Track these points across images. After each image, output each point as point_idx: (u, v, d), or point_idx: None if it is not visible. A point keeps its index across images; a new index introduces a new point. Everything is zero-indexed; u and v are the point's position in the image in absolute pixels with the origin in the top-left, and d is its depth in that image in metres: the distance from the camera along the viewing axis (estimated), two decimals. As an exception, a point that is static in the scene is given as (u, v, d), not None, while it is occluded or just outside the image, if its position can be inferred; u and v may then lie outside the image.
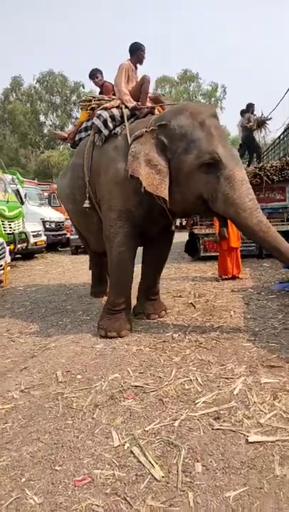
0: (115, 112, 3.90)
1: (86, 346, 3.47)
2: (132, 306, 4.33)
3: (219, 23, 61.46)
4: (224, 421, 2.16)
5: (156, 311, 4.22)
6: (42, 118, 35.96)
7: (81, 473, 1.82)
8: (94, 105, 4.30)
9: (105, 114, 3.88)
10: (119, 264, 3.72)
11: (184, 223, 8.38)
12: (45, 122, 36.31)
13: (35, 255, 10.39)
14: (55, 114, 35.93)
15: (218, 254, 6.40)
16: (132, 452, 1.94)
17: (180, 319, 4.12)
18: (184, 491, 1.66)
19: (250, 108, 9.04)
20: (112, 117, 3.87)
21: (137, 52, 4.17)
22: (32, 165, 33.53)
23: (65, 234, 12.01)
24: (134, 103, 3.93)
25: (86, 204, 4.09)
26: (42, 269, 8.38)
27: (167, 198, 3.30)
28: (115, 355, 3.22)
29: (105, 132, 3.87)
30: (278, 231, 7.96)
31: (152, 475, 1.77)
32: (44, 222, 11.46)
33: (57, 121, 35.51)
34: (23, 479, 1.80)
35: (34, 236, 9.73)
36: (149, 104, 4.08)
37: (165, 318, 4.18)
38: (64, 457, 1.94)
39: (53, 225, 11.70)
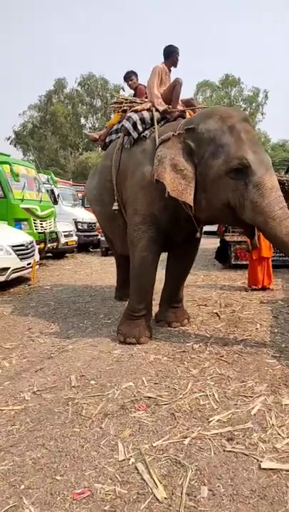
0: (146, 114, 3.84)
1: (103, 351, 3.41)
2: (155, 313, 4.26)
3: (261, 25, 60.43)
4: (237, 443, 2.03)
5: (179, 319, 4.11)
6: (82, 120, 36.64)
7: (81, 486, 1.75)
8: (125, 107, 4.27)
9: (135, 117, 3.83)
10: (141, 268, 3.64)
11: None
12: (85, 125, 36.94)
13: (66, 255, 10.50)
14: (95, 117, 36.51)
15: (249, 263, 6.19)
16: (136, 468, 1.85)
17: (203, 329, 3.99)
18: (186, 517, 1.55)
19: None
20: (142, 120, 3.81)
21: (172, 55, 4.09)
22: (71, 166, 34.21)
23: (97, 235, 12.07)
24: (165, 106, 3.86)
25: (115, 207, 4.05)
26: (71, 269, 8.44)
27: (192, 204, 3.19)
28: (132, 363, 3.14)
29: (134, 135, 3.81)
30: None
31: (154, 495, 1.67)
32: (76, 222, 11.58)
33: (96, 124, 36.04)
34: (22, 486, 1.76)
35: (65, 236, 9.84)
36: (180, 107, 3.98)
37: (187, 327, 4.06)
38: (66, 467, 1.88)
39: (85, 226, 11.79)
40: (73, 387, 2.73)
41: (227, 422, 2.24)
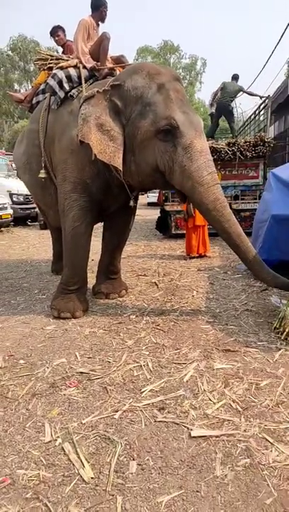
0: (72, 72, 3.54)
1: (36, 328, 3.24)
2: (92, 285, 4.13)
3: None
4: (169, 412, 2.00)
5: (116, 290, 4.01)
6: (16, 87, 34.15)
7: (2, 474, 1.62)
8: (51, 64, 3.92)
9: (61, 74, 3.52)
10: (74, 240, 3.45)
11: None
12: (20, 91, 34.52)
13: (1, 229, 9.92)
14: (30, 83, 34.20)
15: None
16: (63, 449, 1.75)
17: (140, 299, 3.93)
18: (112, 495, 1.49)
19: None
20: (69, 78, 3.51)
21: (99, 8, 3.78)
22: (6, 135, 32.13)
23: (35, 208, 11.46)
24: (93, 63, 3.59)
25: (42, 174, 3.75)
26: (5, 244, 7.98)
27: (121, 168, 3.02)
28: (65, 338, 3.01)
29: (60, 94, 3.51)
30: (250, 209, 7.92)
31: (81, 476, 1.59)
32: (11, 194, 10.89)
33: (32, 90, 33.83)
34: None
35: (-1, 209, 9.26)
36: (110, 65, 3.72)
37: (125, 298, 3.98)
38: (-14, 455, 1.74)
39: (21, 198, 11.14)
40: (0, 368, 2.55)
41: (159, 391, 2.20)
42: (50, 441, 1.81)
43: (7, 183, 11.13)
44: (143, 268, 5.35)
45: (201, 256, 5.90)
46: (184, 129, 2.87)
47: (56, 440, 1.82)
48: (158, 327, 3.16)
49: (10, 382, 2.36)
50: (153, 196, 16.80)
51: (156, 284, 4.45)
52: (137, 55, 36.45)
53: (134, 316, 3.42)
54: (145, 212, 13.91)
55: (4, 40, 39.00)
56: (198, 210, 3.16)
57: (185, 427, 1.88)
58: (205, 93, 57.76)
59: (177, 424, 1.90)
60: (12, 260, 6.19)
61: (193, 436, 1.80)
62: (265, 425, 1.87)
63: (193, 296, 4.00)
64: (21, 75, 33.49)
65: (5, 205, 9.69)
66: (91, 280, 4.14)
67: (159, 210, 8.89)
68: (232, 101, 8.63)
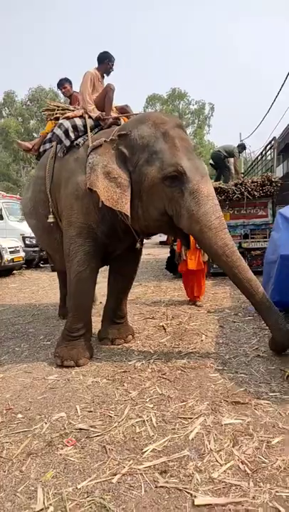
0: (78, 121, 3.67)
1: (38, 378, 3.13)
2: (98, 331, 4.04)
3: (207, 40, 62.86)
4: (171, 475, 1.84)
5: (122, 335, 3.90)
6: (35, 135, 35.80)
7: None
8: (58, 115, 4.07)
9: (67, 124, 3.65)
10: (79, 285, 3.41)
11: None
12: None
13: (13, 272, 10.02)
14: (45, 131, 35.78)
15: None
16: (54, 520, 1.61)
17: (147, 345, 3.80)
18: None
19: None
20: (74, 127, 3.63)
21: (104, 61, 3.96)
22: (23, 180, 33.29)
23: (47, 250, 11.66)
24: (98, 113, 3.70)
25: (50, 219, 3.81)
26: (16, 287, 8.01)
27: (128, 213, 3.03)
28: (67, 389, 2.88)
29: (66, 142, 3.62)
30: (261, 247, 7.82)
31: None
32: (24, 237, 11.11)
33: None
34: None
35: (11, 252, 9.39)
36: (114, 114, 3.84)
37: (131, 344, 3.86)
38: (-28, 528, 1.60)
39: (34, 241, 11.32)
40: (-3, 423, 2.43)
41: (162, 451, 2.05)
42: (41, 510, 1.67)
43: (20, 227, 11.35)
44: (151, 310, 5.24)
45: (192, 302, 5.57)
46: (190, 174, 2.91)
47: (48, 508, 1.67)
48: (164, 376, 3.01)
49: (6, 439, 2.24)
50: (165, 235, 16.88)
51: (164, 328, 4.33)
52: (146, 103, 38.13)
53: (139, 364, 3.29)
54: (157, 251, 13.94)
55: (24, 89, 41.28)
56: (208, 254, 3.16)
57: (188, 493, 1.71)
58: (214, 135, 59.57)
59: (180, 490, 1.74)
60: (21, 304, 6.16)
61: (197, 505, 1.64)
62: (277, 491, 1.69)
63: (202, 340, 3.85)
64: (38, 124, 35.18)
65: (17, 249, 9.85)
66: (98, 325, 4.07)
67: (169, 250, 8.88)
68: (224, 156, 8.90)
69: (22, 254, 10.06)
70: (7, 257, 9.01)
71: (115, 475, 1.86)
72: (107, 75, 4.06)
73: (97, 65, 4.00)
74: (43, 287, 7.85)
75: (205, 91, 65.65)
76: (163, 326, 4.40)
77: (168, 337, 4.01)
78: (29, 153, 4.72)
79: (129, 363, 3.35)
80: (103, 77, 4.04)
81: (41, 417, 2.49)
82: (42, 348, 3.90)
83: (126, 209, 3.04)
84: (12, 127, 32.38)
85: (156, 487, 1.77)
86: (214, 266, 7.98)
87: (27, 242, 11.08)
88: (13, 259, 9.40)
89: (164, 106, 38.26)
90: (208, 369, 3.12)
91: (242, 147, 9.99)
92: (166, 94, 38.05)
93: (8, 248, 9.26)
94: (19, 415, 2.52)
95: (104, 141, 3.14)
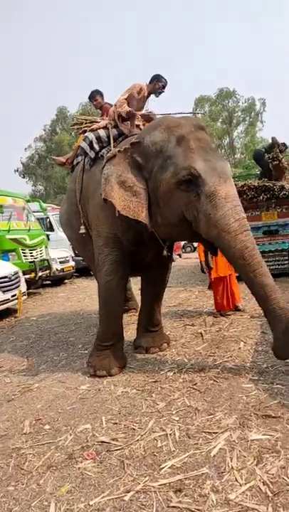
0: (102, 132, 3.70)
1: (70, 387, 3.17)
2: (133, 339, 4.03)
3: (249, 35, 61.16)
4: (186, 495, 1.76)
5: (157, 344, 3.84)
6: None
7: None
8: (86, 128, 4.14)
9: (91, 136, 3.70)
10: (107, 294, 3.42)
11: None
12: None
13: (65, 281, 10.35)
14: (98, 145, 36.88)
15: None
16: (62, 538, 1.59)
17: (182, 353, 3.71)
18: None
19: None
20: (98, 138, 3.67)
21: (154, 81, 3.88)
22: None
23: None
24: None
25: (82, 230, 3.89)
26: (64, 296, 8.26)
27: (146, 221, 2.98)
28: (96, 400, 2.89)
29: (91, 154, 3.68)
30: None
31: None
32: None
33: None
34: None
35: (61, 262, 9.70)
36: (139, 123, 3.82)
37: (166, 352, 3.79)
38: (-16, 540, 1.64)
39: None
40: (24, 434, 2.49)
41: (181, 467, 1.96)
42: (51, 526, 1.66)
43: (70, 237, 11.72)
44: (192, 317, 5.12)
45: (234, 310, 5.13)
46: (206, 176, 2.76)
47: (58, 525, 1.66)
48: (194, 386, 2.91)
49: (30, 450, 2.28)
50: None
51: (202, 335, 4.20)
52: (195, 105, 37.85)
53: (171, 374, 3.21)
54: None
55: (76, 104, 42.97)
56: (227, 258, 2.95)
57: (201, 516, 1.62)
58: (267, 131, 57.52)
59: (192, 511, 1.65)
60: (66, 313, 6.33)
61: (208, 530, 1.54)
62: (298, 520, 1.54)
63: (239, 348, 3.68)
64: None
65: (67, 259, 10.16)
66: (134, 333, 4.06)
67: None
68: (266, 151, 8.46)
69: (72, 263, 10.36)
70: (56, 266, 9.31)
71: (129, 492, 1.82)
72: (156, 95, 3.99)
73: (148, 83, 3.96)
74: (90, 295, 7.99)
75: (258, 87, 63.32)
76: (201, 333, 4.27)
77: (204, 345, 3.88)
78: (63, 167, 4.85)
79: (161, 372, 3.28)
80: (149, 95, 3.99)
81: (67, 428, 2.50)
82: (79, 357, 3.96)
83: (143, 217, 3.00)
84: (65, 141, 33.70)
85: (168, 507, 1.70)
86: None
87: (76, 251, 11.41)
88: (63, 269, 9.71)
89: (213, 106, 37.78)
90: (242, 379, 2.96)
91: (284, 146, 9.32)
92: (214, 94, 37.49)
93: (58, 258, 9.58)
94: (46, 426, 2.56)
95: (118, 151, 3.12)
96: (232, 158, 37.09)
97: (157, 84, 3.86)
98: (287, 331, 2.57)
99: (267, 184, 7.49)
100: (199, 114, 35.36)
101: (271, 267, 7.49)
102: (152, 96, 4.00)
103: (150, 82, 3.90)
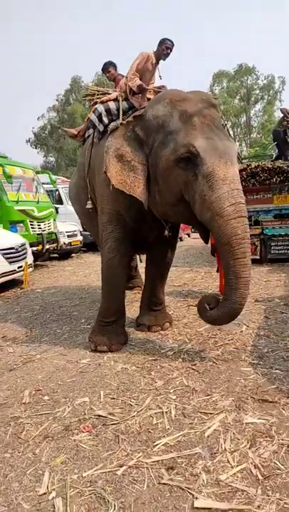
0: (112, 105, 3.58)
1: (71, 361, 3.21)
2: (136, 317, 4.04)
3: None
4: (177, 473, 1.78)
5: (159, 322, 3.85)
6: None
7: (-13, 528, 1.55)
8: (97, 99, 4.02)
9: (101, 108, 3.58)
10: (109, 271, 3.41)
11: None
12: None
13: (72, 255, 10.39)
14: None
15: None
16: (53, 506, 1.64)
17: (183, 333, 3.72)
18: None
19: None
20: (108, 111, 3.55)
21: (160, 45, 3.74)
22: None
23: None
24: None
25: (88, 205, 3.85)
26: (71, 270, 8.30)
27: (142, 198, 2.93)
28: (96, 374, 2.92)
29: (100, 127, 3.58)
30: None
31: None
32: (83, 222, 11.43)
33: (114, 122, 35.77)
34: None
35: (69, 236, 9.72)
36: (151, 96, 3.69)
37: (167, 332, 3.80)
38: (-22, 503, 1.69)
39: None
40: (23, 403, 2.53)
41: (174, 446, 1.99)
42: (44, 494, 1.71)
43: (79, 211, 11.69)
44: (196, 298, 5.10)
45: None
46: (205, 155, 2.61)
47: (50, 493, 1.70)
48: (193, 367, 2.93)
49: (28, 420, 2.33)
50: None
51: (205, 317, 4.19)
52: (213, 80, 36.79)
53: (171, 353, 3.23)
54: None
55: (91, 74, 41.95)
56: (217, 244, 2.81)
57: (190, 493, 1.65)
58: None
59: (182, 489, 1.68)
60: (71, 287, 6.37)
61: (196, 507, 1.56)
62: (285, 503, 1.56)
63: (241, 331, 3.68)
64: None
65: (75, 233, 10.17)
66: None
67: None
68: (283, 132, 8.18)
69: (80, 238, 10.38)
70: (64, 240, 9.33)
71: (121, 466, 1.85)
72: (163, 59, 3.84)
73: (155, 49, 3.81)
74: (96, 270, 8.02)
75: (274, 65, 61.12)
76: (204, 314, 4.26)
77: (206, 326, 3.87)
78: (75, 139, 4.75)
79: (162, 351, 3.30)
80: (158, 61, 3.85)
81: (66, 400, 2.54)
82: (81, 331, 3.99)
83: (138, 193, 2.93)
84: (78, 112, 33.07)
85: (159, 483, 1.73)
86: (272, 252, 7.62)
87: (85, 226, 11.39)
88: (70, 242, 9.73)
89: (231, 82, 36.69)
90: (241, 362, 2.97)
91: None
92: (233, 70, 36.33)
93: (66, 232, 9.60)
94: (46, 397, 2.61)
95: (121, 123, 3.05)
96: (248, 138, 36.31)
97: (164, 47, 3.67)
98: (220, 313, 2.75)
99: (281, 166, 7.32)
100: (216, 91, 34.51)
101: (280, 251, 7.43)
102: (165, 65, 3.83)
103: (158, 46, 3.70)
